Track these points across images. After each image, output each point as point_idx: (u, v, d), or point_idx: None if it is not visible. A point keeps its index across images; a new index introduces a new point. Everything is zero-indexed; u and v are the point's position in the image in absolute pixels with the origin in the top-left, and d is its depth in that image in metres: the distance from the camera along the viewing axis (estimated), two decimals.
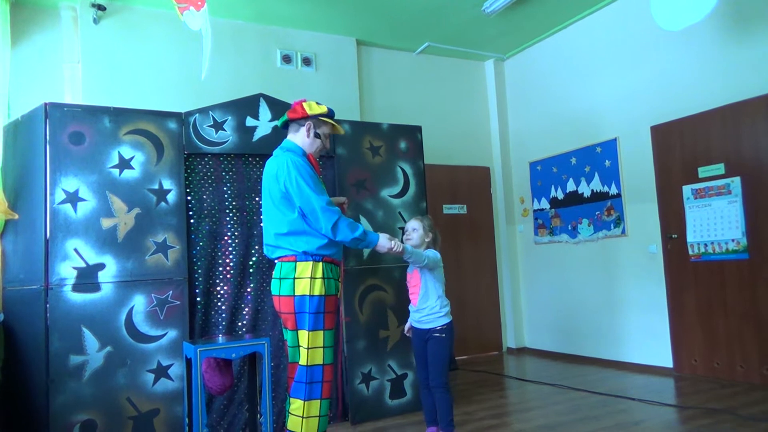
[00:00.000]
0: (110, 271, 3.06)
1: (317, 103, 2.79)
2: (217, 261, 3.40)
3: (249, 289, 3.46)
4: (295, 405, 2.53)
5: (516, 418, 3.56)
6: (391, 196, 3.89)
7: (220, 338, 2.97)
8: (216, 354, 2.61)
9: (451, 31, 5.50)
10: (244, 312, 3.44)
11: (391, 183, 3.91)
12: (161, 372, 3.10)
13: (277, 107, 3.60)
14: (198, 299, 3.31)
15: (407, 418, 3.64)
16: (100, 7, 4.36)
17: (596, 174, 5.19)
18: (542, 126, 5.83)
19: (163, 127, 3.28)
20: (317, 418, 2.54)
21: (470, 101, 6.27)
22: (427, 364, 3.00)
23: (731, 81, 4.15)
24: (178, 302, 3.19)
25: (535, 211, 5.95)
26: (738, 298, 4.11)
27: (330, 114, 2.81)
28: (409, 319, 3.13)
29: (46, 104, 3.05)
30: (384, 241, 2.70)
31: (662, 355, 4.60)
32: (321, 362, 2.56)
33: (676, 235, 4.50)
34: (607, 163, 5.07)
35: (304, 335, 2.55)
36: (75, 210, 3.02)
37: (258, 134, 3.53)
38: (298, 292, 2.56)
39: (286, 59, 5.13)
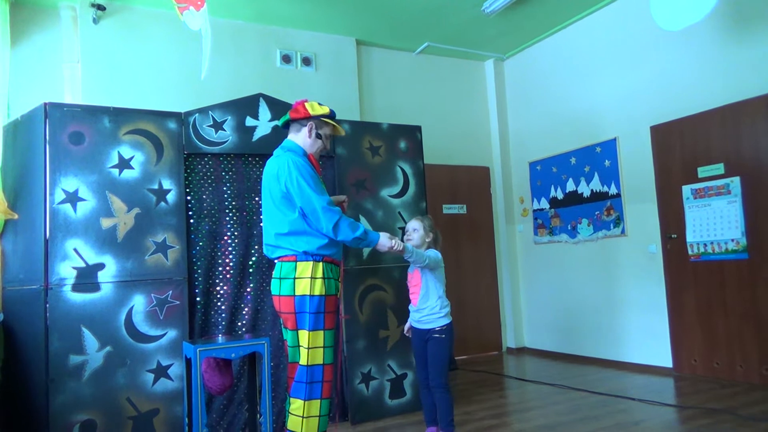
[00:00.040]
0: (110, 271, 3.06)
1: (319, 104, 2.79)
2: (216, 261, 3.40)
3: (249, 289, 3.46)
4: (296, 405, 2.53)
5: (516, 418, 3.56)
6: (390, 196, 3.89)
7: (220, 338, 2.97)
8: (216, 354, 2.61)
9: (451, 31, 5.50)
10: (244, 312, 3.44)
11: (390, 183, 3.91)
12: (161, 372, 3.10)
13: (277, 107, 3.60)
14: (198, 299, 3.31)
15: (407, 418, 3.64)
16: (100, 7, 4.36)
17: (596, 174, 5.19)
18: (542, 126, 5.83)
19: (163, 127, 3.28)
20: (317, 417, 2.54)
21: (470, 101, 6.27)
22: (426, 365, 3.00)
23: (731, 81, 4.15)
24: (178, 302, 3.19)
25: (534, 211, 5.95)
26: (738, 298, 4.11)
27: (332, 115, 2.81)
28: (409, 320, 3.13)
29: (45, 104, 3.05)
30: (384, 240, 2.70)
31: (662, 355, 4.60)
32: (321, 362, 2.56)
33: (675, 235, 4.50)
34: (607, 163, 5.08)
35: (304, 335, 2.55)
36: (75, 210, 3.02)
37: (258, 134, 3.53)
38: (298, 292, 2.56)
39: (286, 59, 5.13)
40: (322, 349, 2.56)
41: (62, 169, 3.02)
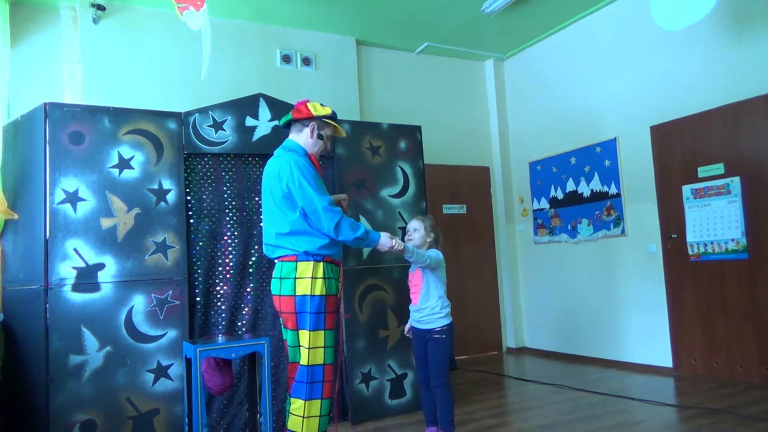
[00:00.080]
0: (110, 271, 3.05)
1: (321, 105, 2.80)
2: (216, 261, 3.40)
3: (249, 289, 3.46)
4: (296, 405, 2.53)
5: (516, 418, 3.56)
6: (390, 196, 3.89)
7: (220, 338, 2.97)
8: (216, 354, 2.61)
9: (451, 31, 5.50)
10: (244, 312, 3.44)
11: (390, 183, 3.91)
12: (161, 372, 3.10)
13: (277, 107, 3.60)
14: (198, 299, 3.31)
15: (407, 417, 3.64)
16: (100, 7, 4.35)
17: (596, 174, 5.19)
18: (542, 126, 5.83)
19: (163, 127, 3.28)
20: (318, 417, 2.54)
21: (470, 101, 6.27)
22: (426, 365, 3.00)
23: (731, 81, 4.15)
24: (178, 302, 3.18)
25: (534, 210, 5.95)
26: (737, 297, 4.11)
27: (334, 116, 2.82)
28: (410, 320, 3.13)
29: (45, 104, 3.04)
30: (385, 240, 2.71)
31: (662, 355, 4.60)
32: (322, 362, 2.56)
33: (675, 235, 4.50)
34: (607, 162, 5.08)
35: (305, 335, 2.55)
36: (75, 210, 3.02)
37: (258, 134, 3.53)
38: (299, 292, 2.56)
39: (286, 59, 5.13)
40: (322, 349, 2.56)
41: (62, 169, 3.02)
